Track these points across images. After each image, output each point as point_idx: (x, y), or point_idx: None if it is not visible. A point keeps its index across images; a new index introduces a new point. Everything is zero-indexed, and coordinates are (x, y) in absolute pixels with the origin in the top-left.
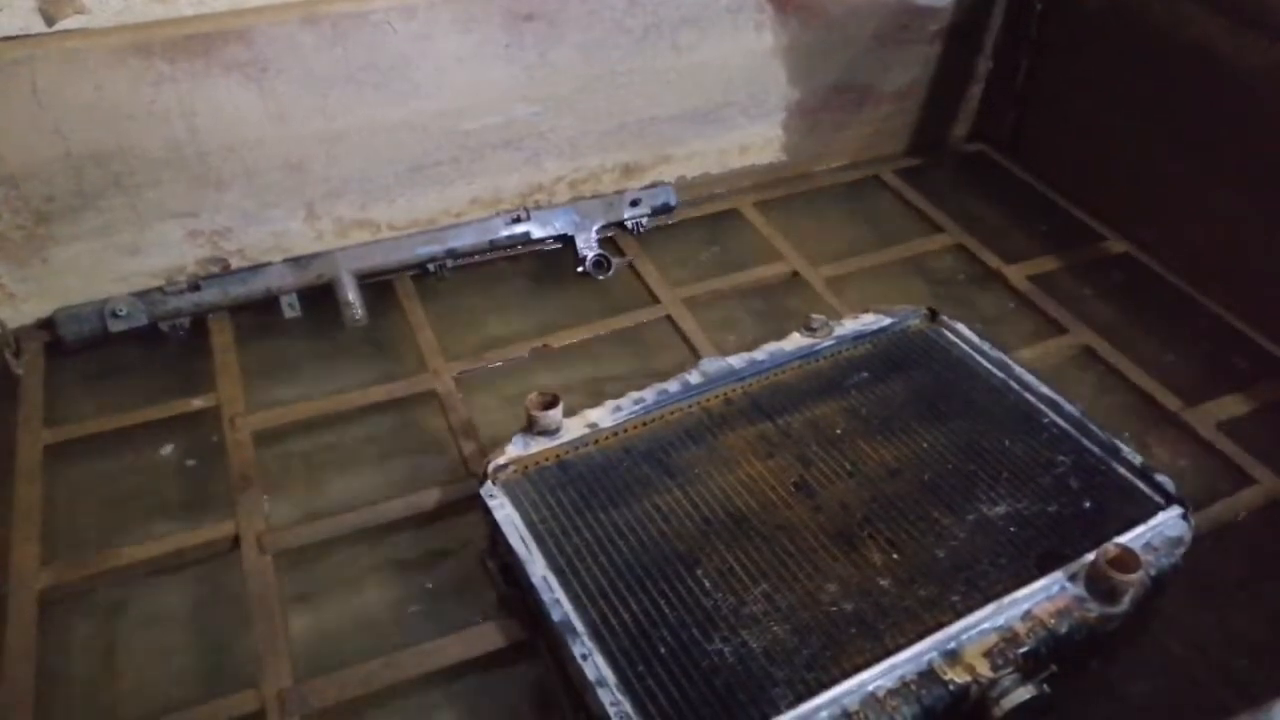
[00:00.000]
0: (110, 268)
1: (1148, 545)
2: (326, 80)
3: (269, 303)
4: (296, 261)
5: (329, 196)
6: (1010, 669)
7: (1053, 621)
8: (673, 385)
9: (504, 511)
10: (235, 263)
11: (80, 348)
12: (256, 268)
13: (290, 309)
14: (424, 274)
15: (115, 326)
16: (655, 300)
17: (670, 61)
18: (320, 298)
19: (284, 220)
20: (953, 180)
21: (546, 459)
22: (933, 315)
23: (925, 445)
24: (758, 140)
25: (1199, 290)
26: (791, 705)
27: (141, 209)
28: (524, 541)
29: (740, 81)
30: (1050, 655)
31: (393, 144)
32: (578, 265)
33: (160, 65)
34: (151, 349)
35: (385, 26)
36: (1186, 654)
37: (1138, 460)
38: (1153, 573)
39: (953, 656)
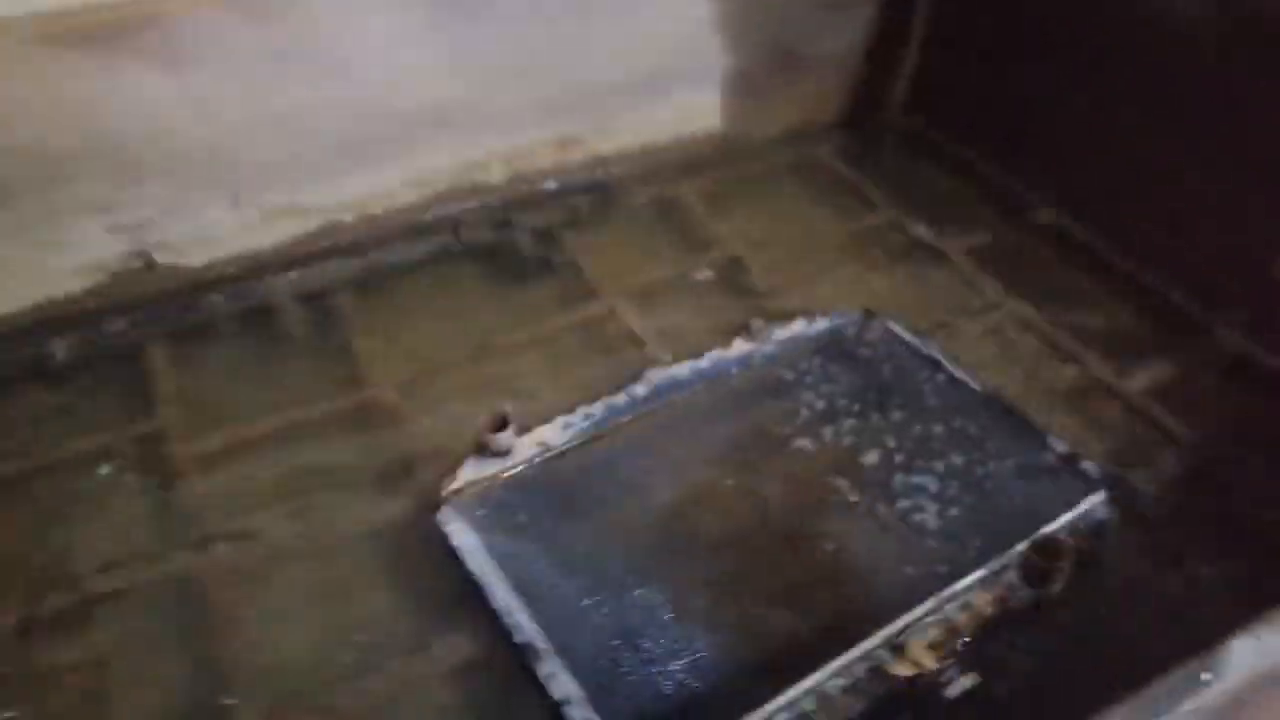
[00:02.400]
0: (29, 267)
1: (1075, 530)
2: (248, 62)
3: (207, 324)
4: (235, 289)
5: (254, 184)
6: (953, 659)
7: (990, 611)
8: (620, 399)
9: (461, 537)
10: (160, 256)
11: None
12: (195, 302)
13: (227, 328)
14: (362, 281)
15: (52, 365)
16: (599, 295)
17: (605, 30)
18: (258, 314)
19: (208, 210)
20: (890, 155)
21: (500, 480)
22: (868, 315)
23: (864, 444)
24: (696, 108)
25: (1131, 257)
26: (749, 711)
27: (57, 204)
28: (482, 566)
29: (678, 49)
30: (989, 640)
31: (318, 126)
32: (517, 263)
33: (70, 55)
34: (89, 376)
35: (310, 4)
36: (1124, 614)
37: (1064, 449)
38: (1081, 555)
39: (899, 651)
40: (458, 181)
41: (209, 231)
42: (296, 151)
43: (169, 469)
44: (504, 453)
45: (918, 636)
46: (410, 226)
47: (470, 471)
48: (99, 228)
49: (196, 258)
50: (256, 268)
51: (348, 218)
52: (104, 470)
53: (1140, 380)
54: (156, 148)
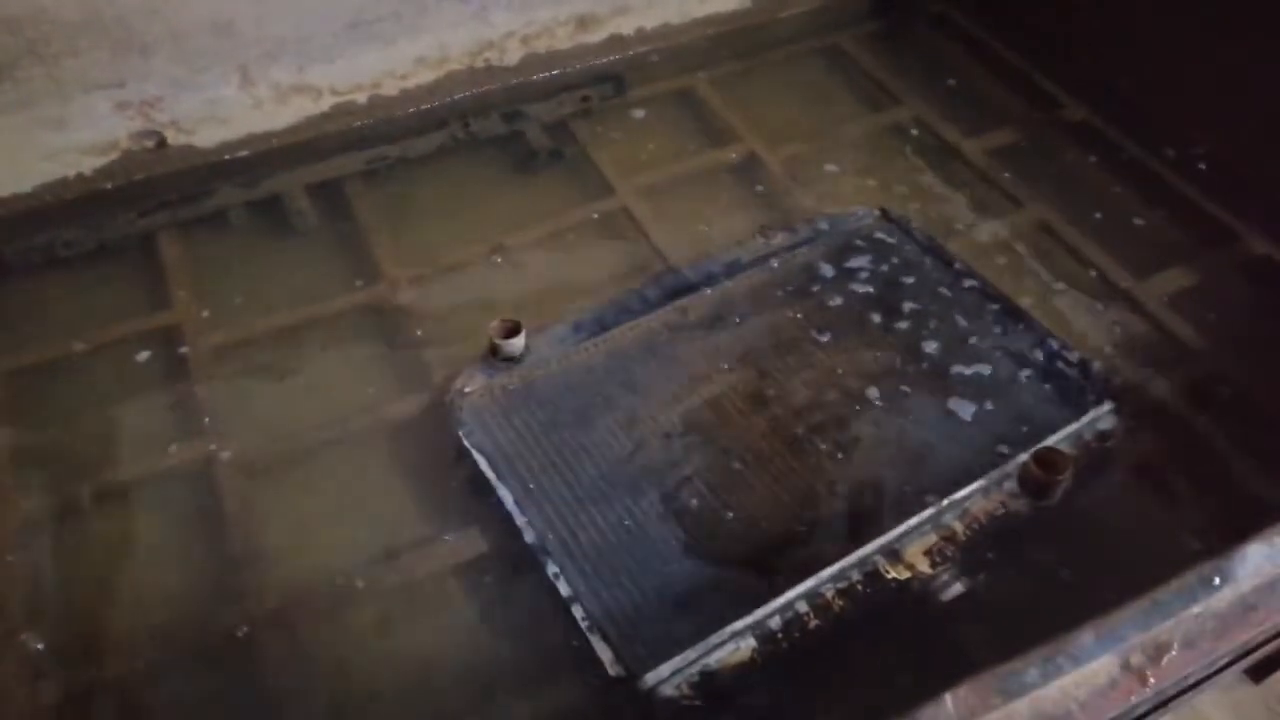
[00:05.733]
0: (36, 144)
1: (1080, 440)
2: None
3: (217, 214)
4: (245, 181)
5: (263, 59)
6: (948, 565)
7: (988, 519)
8: (632, 301)
9: (473, 438)
10: (171, 136)
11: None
12: (207, 187)
13: (238, 218)
14: (373, 173)
15: (64, 253)
16: (611, 191)
17: None
18: (268, 205)
19: (218, 87)
20: (915, 46)
21: (511, 383)
22: (885, 214)
23: (875, 347)
24: None
25: (1159, 158)
26: (746, 612)
27: (62, 79)
28: (494, 466)
29: None
30: (986, 548)
31: None
32: (528, 156)
33: None
34: (102, 266)
35: None
36: (1131, 523)
37: (1075, 357)
38: (1083, 466)
39: (895, 556)
40: (473, 62)
41: (220, 110)
42: (303, 24)
43: (184, 362)
44: (516, 357)
45: (914, 543)
46: (422, 115)
47: (483, 374)
48: (107, 104)
49: (208, 138)
50: (268, 151)
51: (360, 98)
52: (140, 357)
53: (1160, 286)
54: (160, 19)
